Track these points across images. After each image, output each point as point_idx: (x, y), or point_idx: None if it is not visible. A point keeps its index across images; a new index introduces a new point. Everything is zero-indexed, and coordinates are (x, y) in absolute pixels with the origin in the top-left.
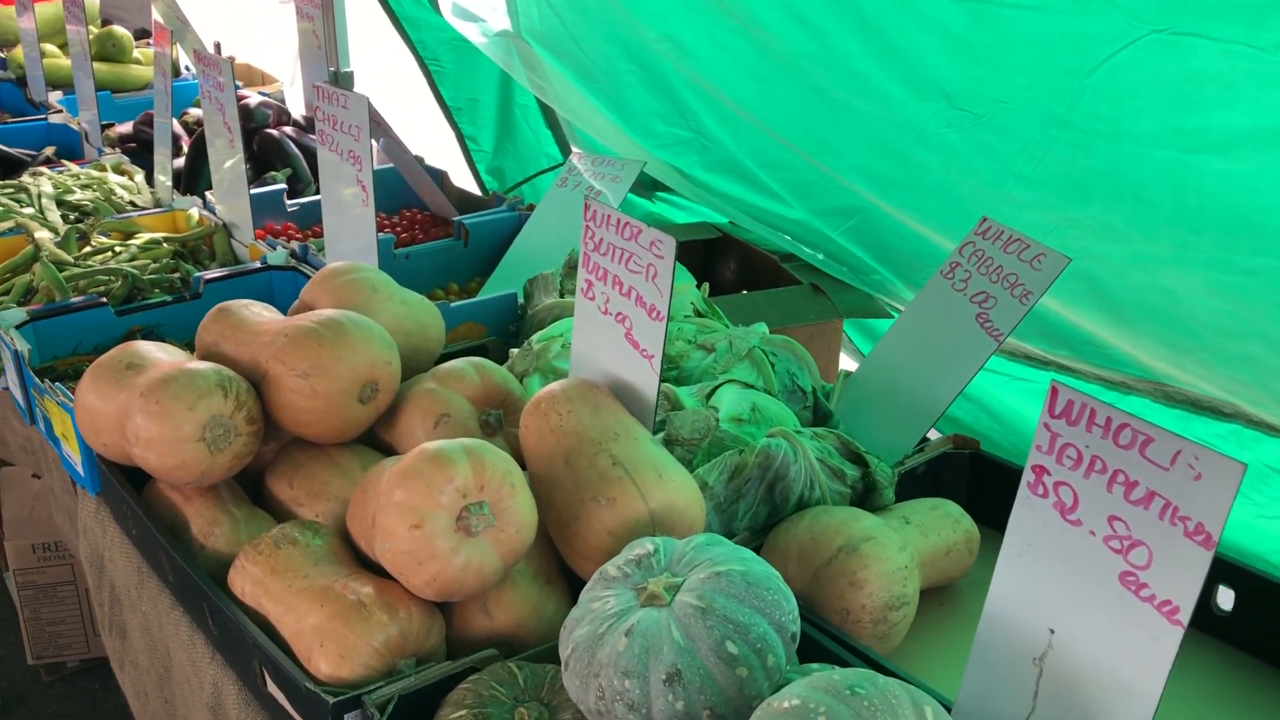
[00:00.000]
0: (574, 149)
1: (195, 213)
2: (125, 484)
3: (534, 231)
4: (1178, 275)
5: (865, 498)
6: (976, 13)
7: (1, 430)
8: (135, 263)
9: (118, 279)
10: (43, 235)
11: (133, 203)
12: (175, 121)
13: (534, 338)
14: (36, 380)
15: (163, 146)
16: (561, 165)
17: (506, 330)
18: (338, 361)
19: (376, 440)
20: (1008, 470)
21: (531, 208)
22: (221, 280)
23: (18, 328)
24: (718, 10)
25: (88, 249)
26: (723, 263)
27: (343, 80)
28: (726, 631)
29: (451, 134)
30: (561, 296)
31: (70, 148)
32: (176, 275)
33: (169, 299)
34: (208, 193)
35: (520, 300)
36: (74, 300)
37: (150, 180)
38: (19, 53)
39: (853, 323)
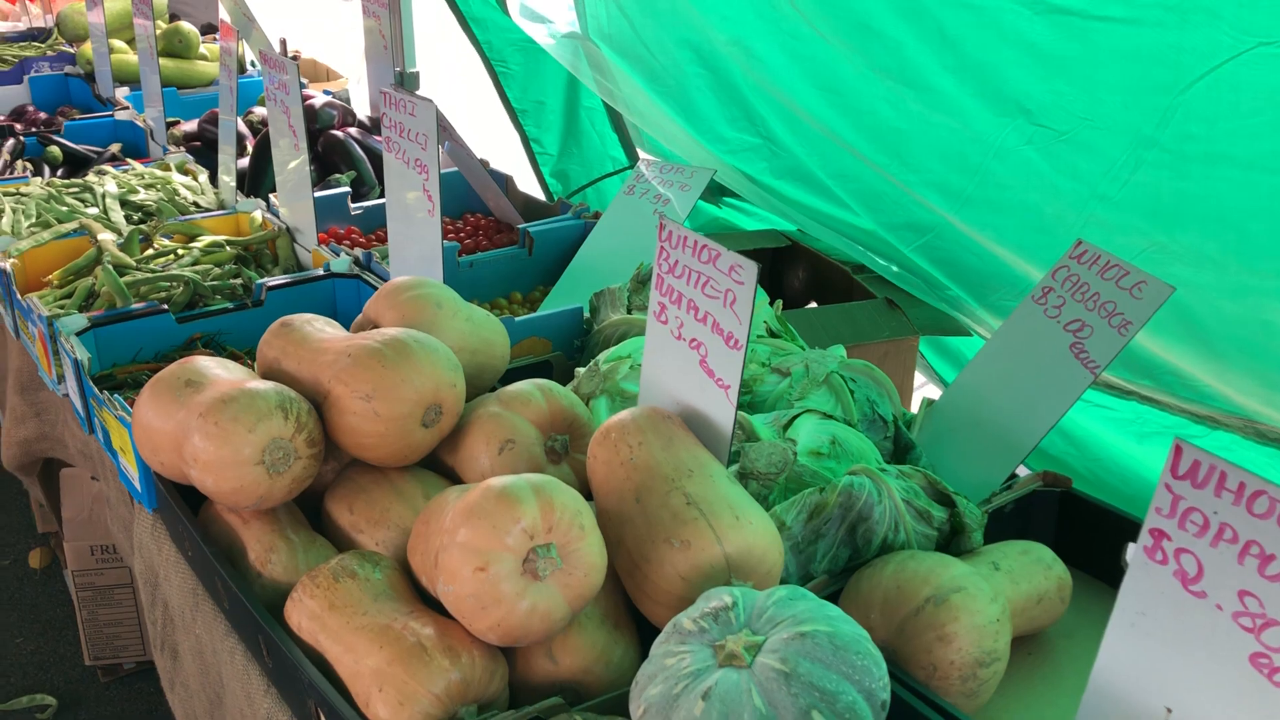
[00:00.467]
0: (641, 154)
1: (258, 215)
2: (182, 504)
3: (599, 240)
4: (1276, 308)
5: (951, 539)
6: (1062, 25)
7: (61, 433)
8: (197, 267)
9: (179, 285)
10: (105, 237)
11: (196, 203)
12: (239, 120)
13: (601, 358)
14: (96, 390)
15: (227, 147)
16: (627, 169)
17: (571, 345)
18: (401, 384)
19: (439, 463)
20: (1100, 511)
21: (598, 215)
22: (284, 288)
23: (79, 334)
24: (789, 17)
25: (149, 251)
26: (791, 271)
27: (408, 81)
28: (812, 699)
29: (515, 137)
30: (629, 313)
31: (136, 145)
32: (238, 281)
33: (230, 306)
34: (272, 195)
35: (586, 314)
36: (135, 307)
37: (214, 180)
38: (88, 48)
39: (928, 340)
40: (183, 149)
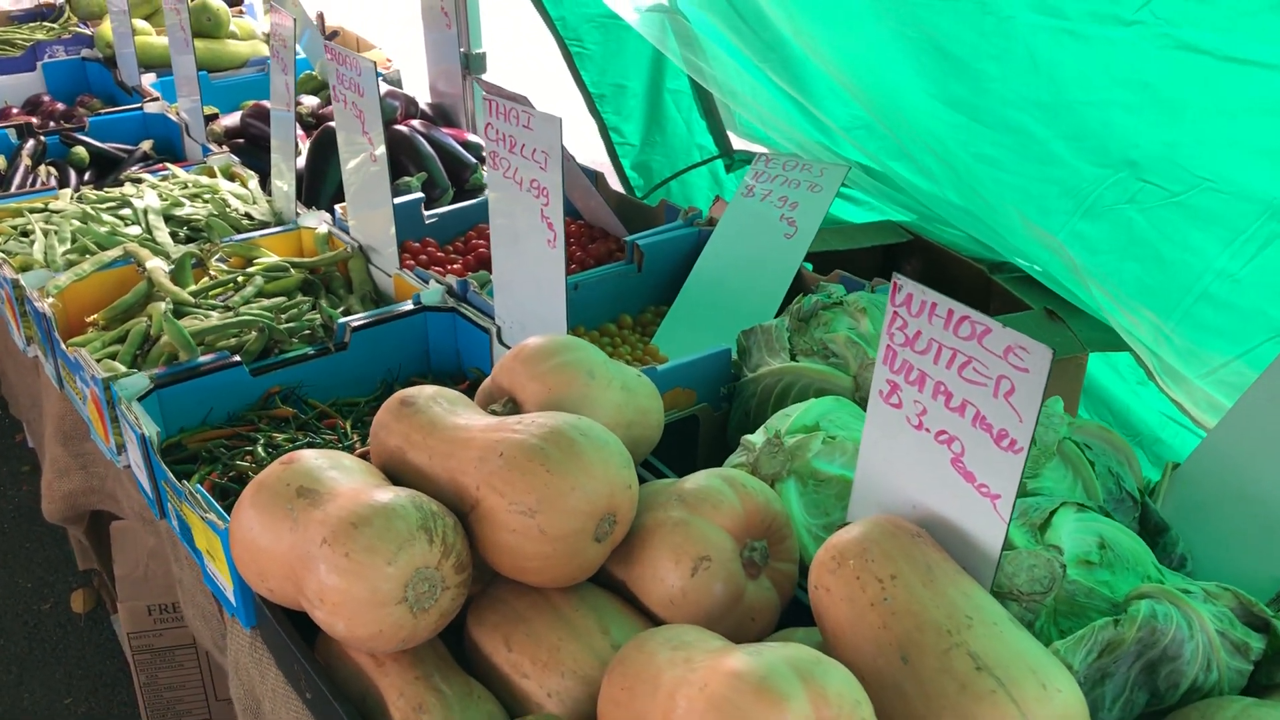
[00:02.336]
0: (741, 143)
1: (324, 230)
2: (295, 635)
3: (719, 253)
4: None
5: (1259, 670)
6: (1189, 65)
7: (113, 488)
8: (265, 303)
9: (251, 331)
10: (154, 265)
11: (249, 215)
12: None
13: (781, 426)
14: (169, 475)
15: (282, 147)
16: (716, 159)
17: (717, 394)
18: (571, 493)
19: (604, 573)
20: None
21: (711, 223)
22: (370, 327)
23: (141, 400)
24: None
25: (205, 280)
26: (908, 269)
27: (473, 63)
28: None
29: (589, 125)
30: (792, 358)
31: (169, 141)
32: (315, 317)
33: (310, 352)
34: (338, 207)
35: (734, 356)
36: (203, 360)
37: (264, 185)
38: (107, 29)
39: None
40: (225, 148)
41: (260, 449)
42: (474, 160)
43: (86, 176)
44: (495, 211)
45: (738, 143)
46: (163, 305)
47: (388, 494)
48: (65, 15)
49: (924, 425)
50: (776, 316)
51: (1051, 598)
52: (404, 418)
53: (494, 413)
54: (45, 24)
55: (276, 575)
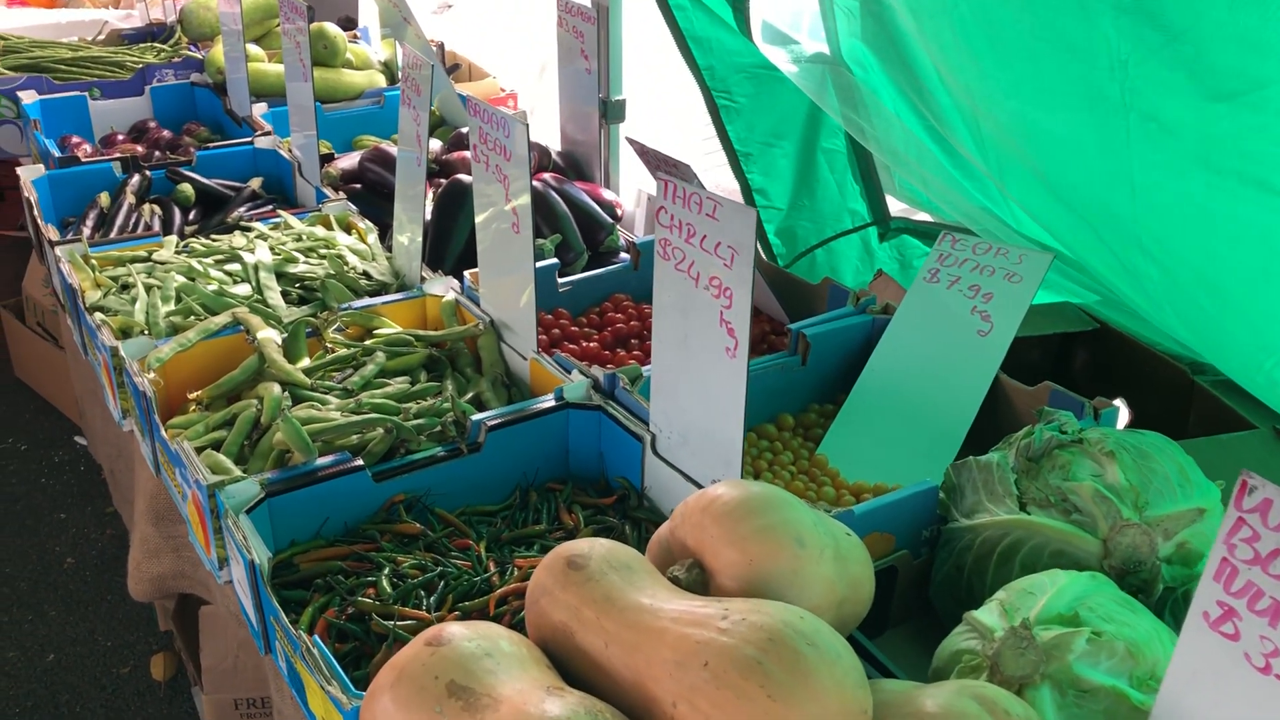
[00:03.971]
0: (904, 211)
1: (451, 298)
2: None
3: (897, 349)
4: None
5: None
6: None
7: (205, 578)
8: (389, 386)
9: (376, 430)
10: (266, 336)
11: (366, 274)
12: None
13: (1027, 612)
14: (284, 619)
15: (411, 207)
16: (869, 226)
17: (918, 538)
18: None
19: None
20: None
21: (888, 310)
22: (506, 426)
23: (249, 511)
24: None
25: (320, 355)
26: (1085, 360)
27: (612, 111)
28: None
29: (726, 184)
30: (1021, 507)
31: (278, 180)
32: (445, 407)
33: (440, 453)
34: (467, 274)
35: (939, 494)
36: (322, 463)
37: (384, 239)
38: (218, 53)
39: None
40: (340, 194)
41: (385, 582)
42: (610, 221)
43: (192, 215)
44: (662, 306)
45: (895, 208)
46: (275, 389)
47: (561, 708)
48: (176, 36)
49: (1273, 669)
50: (994, 451)
51: None
52: (572, 586)
53: (676, 579)
54: (155, 45)
55: None
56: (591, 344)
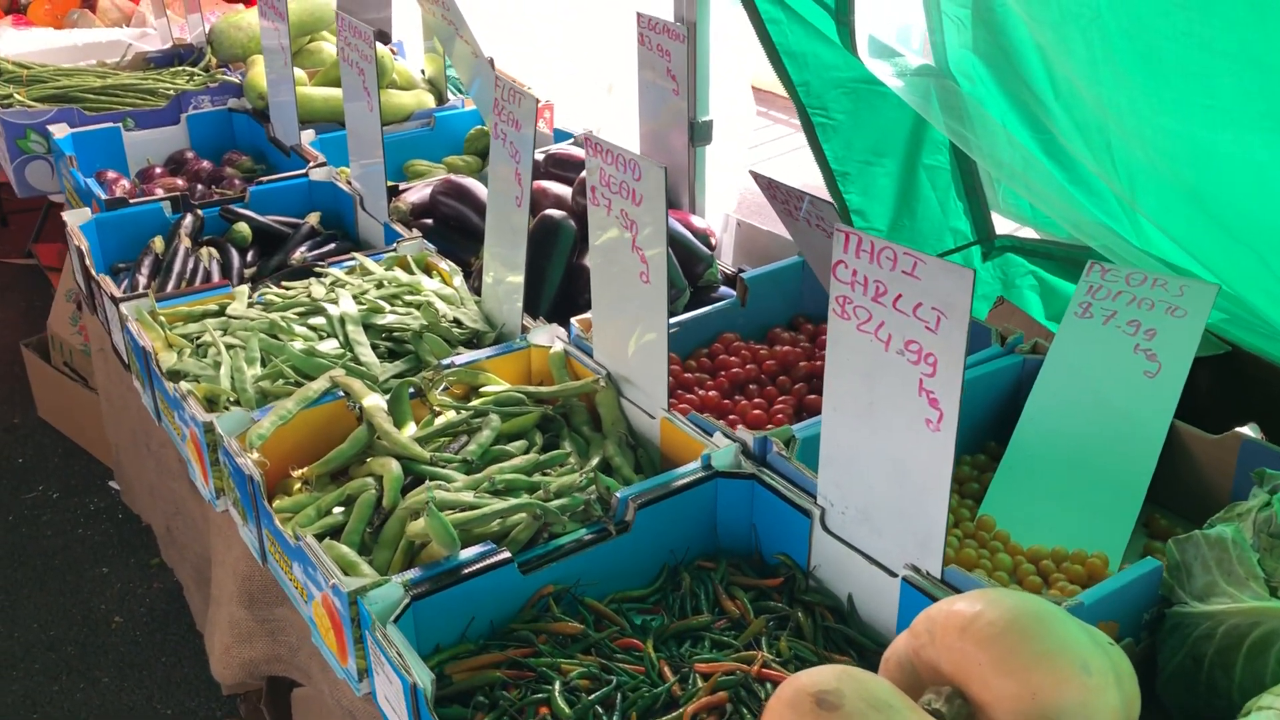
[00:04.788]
0: (1094, 265)
1: (559, 349)
2: None
3: (1055, 394)
4: None
5: None
6: None
7: (305, 662)
8: (516, 459)
9: (518, 515)
10: (373, 404)
11: (457, 321)
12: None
13: None
14: None
15: (509, 247)
16: (972, 245)
17: (1139, 622)
18: None
19: None
20: None
21: (1037, 349)
22: (656, 502)
23: (396, 620)
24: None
25: (428, 421)
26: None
27: (700, 132)
28: None
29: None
30: (1273, 593)
31: (336, 215)
32: (589, 488)
33: (586, 536)
34: (575, 321)
35: (1163, 574)
36: (466, 557)
37: (468, 278)
38: (258, 77)
39: None
40: (416, 233)
41: (560, 699)
42: (708, 252)
43: (249, 256)
44: (838, 369)
45: (1001, 226)
46: (394, 466)
47: None
48: (207, 59)
49: None
50: (1220, 523)
51: None
52: None
53: (938, 715)
54: (187, 69)
55: None
56: (709, 393)
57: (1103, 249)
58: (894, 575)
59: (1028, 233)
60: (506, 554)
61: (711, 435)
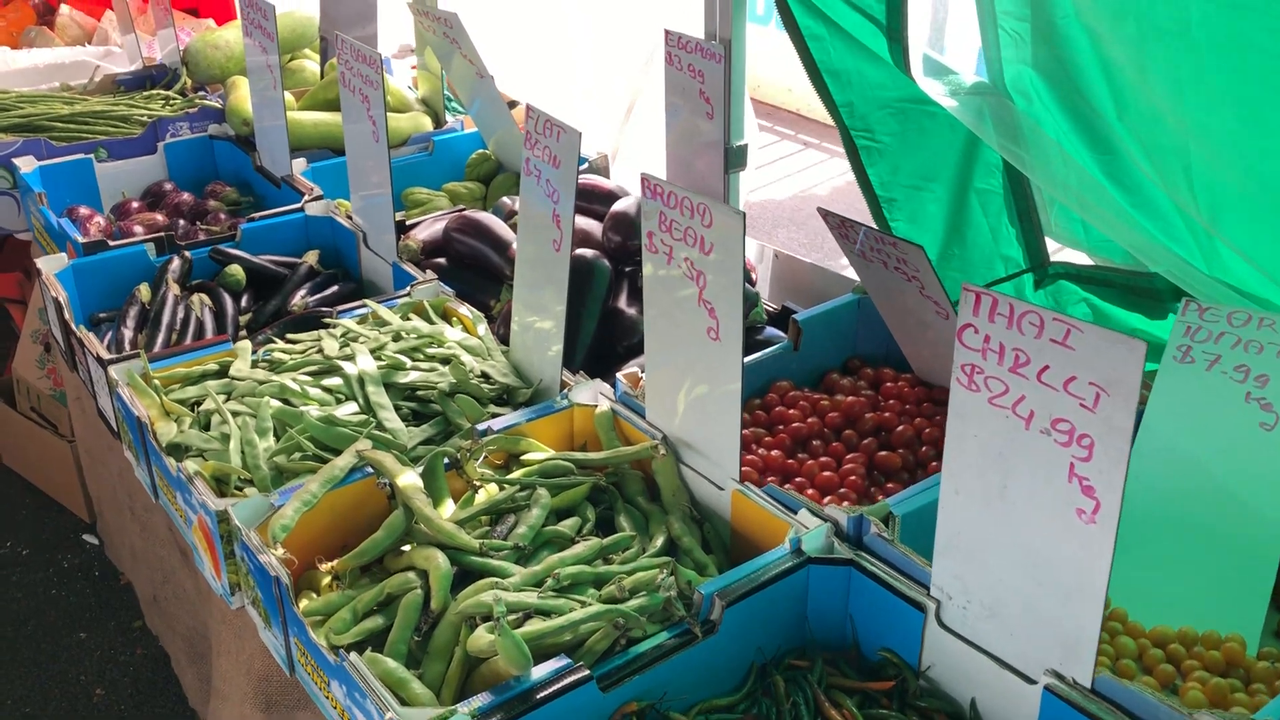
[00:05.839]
0: (1190, 302)
1: (605, 408)
2: None
3: (1159, 448)
4: None
5: None
6: None
7: None
8: (578, 546)
9: (594, 625)
10: (409, 483)
11: (485, 375)
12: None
13: None
14: None
15: (550, 306)
16: (1024, 273)
17: None
18: None
19: None
20: None
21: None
22: (745, 597)
23: None
24: None
25: (466, 500)
26: None
27: (734, 157)
28: None
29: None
30: None
31: (334, 250)
32: (667, 581)
33: (668, 641)
34: (621, 376)
35: None
36: (539, 677)
37: (490, 323)
38: (241, 102)
39: None
40: (431, 275)
41: None
42: (753, 290)
43: (244, 301)
44: (961, 443)
45: (1055, 253)
46: (440, 560)
47: None
48: (182, 81)
49: None
50: None
51: None
52: None
53: None
54: (161, 93)
55: None
56: (770, 452)
57: (1167, 274)
58: (1032, 682)
59: (1080, 258)
60: (584, 671)
61: (796, 512)
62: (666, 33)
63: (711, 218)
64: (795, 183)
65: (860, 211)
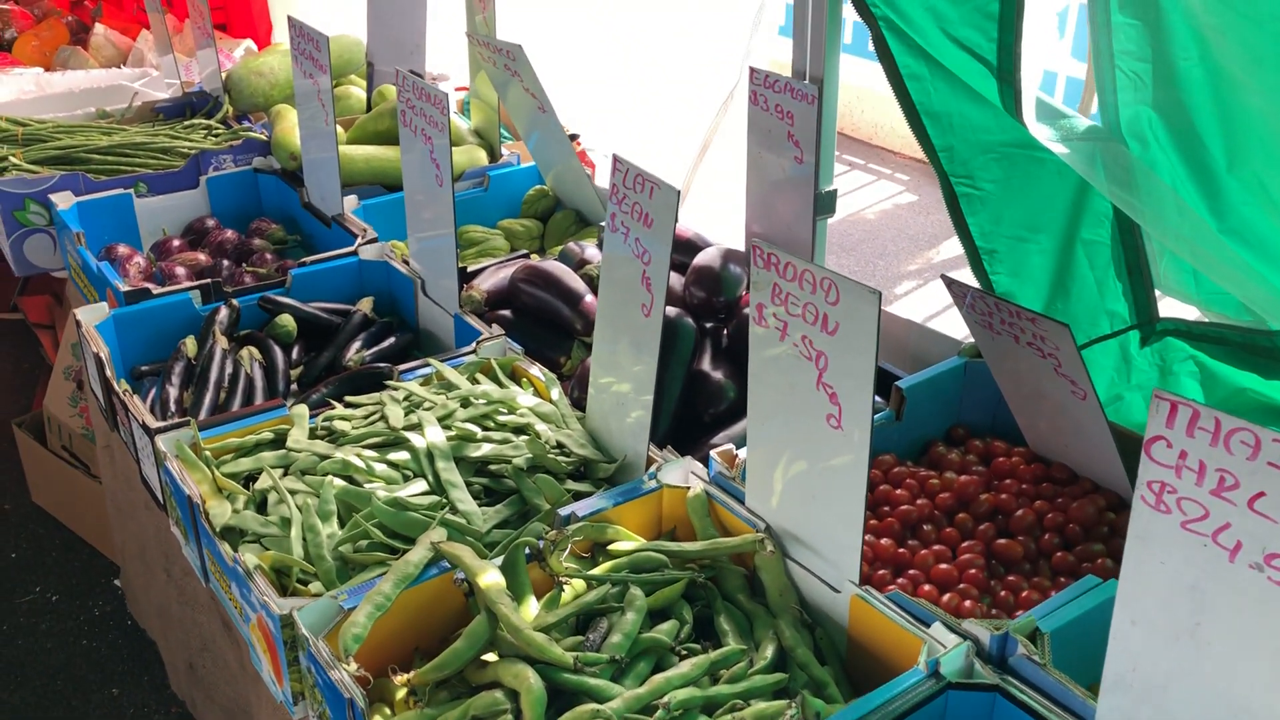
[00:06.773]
0: (1196, 318)
1: (698, 491)
2: None
3: None
4: None
5: None
6: None
7: None
8: (683, 666)
9: None
10: (491, 582)
11: (560, 446)
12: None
13: None
14: None
15: (639, 376)
16: (1130, 330)
17: None
18: None
19: None
20: None
21: None
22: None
23: None
24: None
25: (550, 599)
26: None
27: (823, 202)
28: None
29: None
30: None
31: (389, 296)
32: (791, 709)
33: None
34: (715, 453)
35: None
36: None
37: (564, 381)
38: (289, 134)
39: None
40: (498, 330)
41: None
42: None
43: (295, 353)
44: (1143, 569)
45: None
46: (531, 679)
47: None
48: (224, 109)
49: None
50: None
51: None
52: None
53: None
54: (203, 121)
55: None
56: (880, 540)
57: None
58: None
59: (1190, 313)
60: None
61: (928, 625)
62: (752, 70)
63: (838, 294)
64: (843, 205)
65: (912, 238)
